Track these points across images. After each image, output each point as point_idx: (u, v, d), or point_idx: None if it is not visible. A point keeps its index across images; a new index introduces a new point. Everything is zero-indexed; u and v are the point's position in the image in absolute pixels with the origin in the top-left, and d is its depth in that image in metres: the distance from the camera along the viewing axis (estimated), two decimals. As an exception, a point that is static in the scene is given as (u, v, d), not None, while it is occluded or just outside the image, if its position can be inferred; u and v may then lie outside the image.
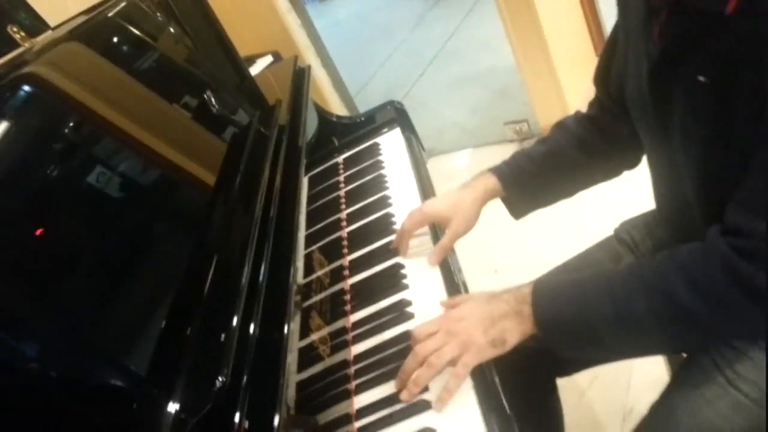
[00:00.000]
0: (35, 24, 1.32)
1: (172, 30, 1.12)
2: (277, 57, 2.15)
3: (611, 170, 0.95)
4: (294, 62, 1.37)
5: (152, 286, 0.72)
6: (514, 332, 0.71)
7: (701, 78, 0.61)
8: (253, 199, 0.85)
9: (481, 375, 0.71)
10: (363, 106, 3.27)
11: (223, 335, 0.64)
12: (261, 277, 0.74)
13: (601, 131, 0.91)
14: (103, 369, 0.61)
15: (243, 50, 2.13)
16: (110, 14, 0.93)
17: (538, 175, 0.94)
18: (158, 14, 1.13)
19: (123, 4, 0.98)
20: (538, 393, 1.01)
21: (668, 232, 0.88)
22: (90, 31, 0.87)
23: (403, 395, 0.70)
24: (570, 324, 0.69)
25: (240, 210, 0.86)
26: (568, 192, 0.97)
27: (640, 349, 0.73)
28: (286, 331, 0.70)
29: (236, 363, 0.61)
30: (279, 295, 0.75)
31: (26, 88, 0.76)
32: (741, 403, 0.71)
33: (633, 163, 0.93)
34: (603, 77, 0.89)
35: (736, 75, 0.58)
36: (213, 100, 1.06)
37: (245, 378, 0.61)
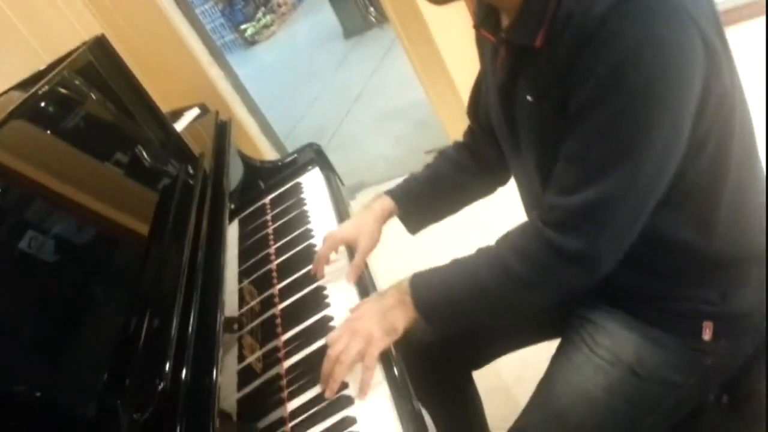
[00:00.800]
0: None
1: (96, 96, 1.23)
2: (203, 109, 2.25)
3: (486, 188, 1.12)
4: (216, 116, 1.49)
5: (91, 339, 0.77)
6: (401, 319, 0.85)
7: (529, 97, 0.79)
8: (181, 247, 0.95)
9: (389, 369, 0.85)
10: (293, 147, 3.41)
11: (157, 381, 0.71)
12: (190, 327, 0.81)
13: (474, 155, 1.08)
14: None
15: (170, 104, 2.24)
16: (42, 89, 1.03)
17: (425, 195, 1.09)
18: (82, 82, 1.23)
19: (53, 78, 1.08)
20: (453, 386, 1.15)
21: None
22: (26, 107, 0.97)
23: (326, 393, 0.83)
24: (440, 305, 0.85)
25: (170, 258, 0.96)
26: (453, 208, 1.13)
27: (495, 315, 0.88)
28: (214, 376, 0.78)
29: (169, 407, 0.69)
30: (208, 340, 0.83)
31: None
32: (600, 365, 0.87)
33: (503, 181, 1.10)
34: (474, 110, 1.06)
35: (549, 93, 0.75)
36: (141, 156, 1.17)
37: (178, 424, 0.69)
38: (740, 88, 0.78)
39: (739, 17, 2.48)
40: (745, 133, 0.79)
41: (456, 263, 0.87)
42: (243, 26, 7.68)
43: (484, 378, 1.27)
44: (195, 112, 2.24)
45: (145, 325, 0.81)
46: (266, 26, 7.77)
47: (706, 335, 0.84)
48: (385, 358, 0.86)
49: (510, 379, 1.69)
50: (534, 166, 0.86)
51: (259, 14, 7.78)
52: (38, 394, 0.67)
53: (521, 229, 0.81)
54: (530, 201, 0.97)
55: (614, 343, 0.87)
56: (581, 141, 0.72)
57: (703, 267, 0.83)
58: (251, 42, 7.71)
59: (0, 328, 0.70)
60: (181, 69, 2.61)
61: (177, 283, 0.88)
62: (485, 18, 0.84)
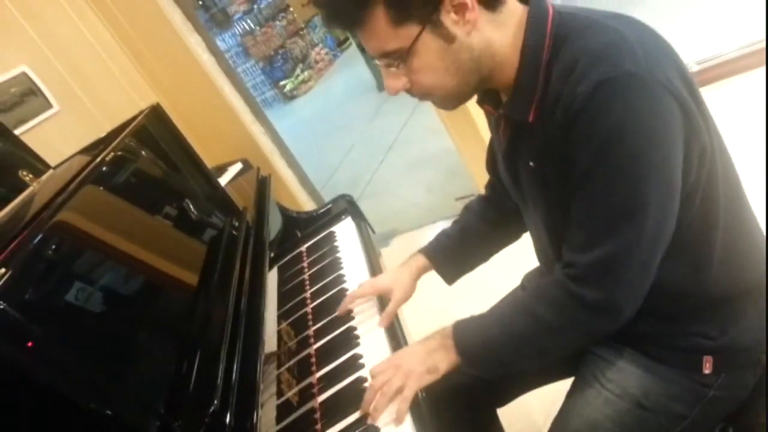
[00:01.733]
0: (39, 166, 1.58)
1: (152, 159, 1.38)
2: (246, 163, 2.43)
3: (511, 235, 1.21)
4: (257, 172, 1.64)
5: (146, 382, 0.86)
6: (443, 361, 0.94)
7: (531, 163, 0.88)
8: (227, 294, 1.07)
9: (416, 407, 0.93)
10: (330, 196, 3.56)
11: (204, 419, 0.80)
12: (234, 372, 0.91)
13: (496, 207, 1.18)
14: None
15: (216, 160, 2.43)
16: (108, 156, 1.18)
17: (457, 249, 1.19)
18: (140, 147, 1.39)
19: (117, 144, 1.24)
20: (480, 423, 1.22)
21: (545, 276, 1.14)
22: (95, 172, 1.12)
23: (369, 420, 0.91)
24: (479, 349, 0.93)
25: (217, 304, 1.06)
26: (483, 257, 1.22)
27: (528, 359, 0.94)
28: (255, 418, 0.87)
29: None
30: (250, 383, 0.92)
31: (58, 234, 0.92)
32: (610, 399, 0.93)
33: (525, 229, 1.19)
34: (491, 166, 1.17)
35: (548, 160, 0.84)
36: (192, 211, 1.30)
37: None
38: (719, 138, 0.86)
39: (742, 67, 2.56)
40: (729, 179, 0.87)
41: (493, 311, 0.96)
42: (282, 82, 8.05)
43: (517, 419, 1.33)
44: (238, 166, 2.41)
45: (195, 367, 0.92)
46: (304, 81, 8.13)
47: (707, 369, 0.90)
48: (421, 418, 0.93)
49: (540, 419, 1.73)
50: (541, 221, 0.95)
51: (298, 70, 8.15)
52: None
53: (550, 282, 0.89)
54: (541, 249, 1.06)
55: (622, 378, 0.94)
56: (585, 205, 0.81)
57: (702, 306, 0.90)
58: (290, 97, 8.06)
59: (63, 371, 0.75)
60: (225, 127, 2.80)
61: (223, 328, 0.99)
62: (486, 94, 0.95)
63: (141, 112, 1.48)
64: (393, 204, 3.51)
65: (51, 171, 1.50)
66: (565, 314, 0.85)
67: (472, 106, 2.77)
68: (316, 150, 5.15)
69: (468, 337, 0.94)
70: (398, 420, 0.90)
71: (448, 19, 0.79)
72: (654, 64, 0.76)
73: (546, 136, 0.82)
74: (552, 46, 0.81)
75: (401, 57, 0.82)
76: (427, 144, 4.03)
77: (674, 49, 0.83)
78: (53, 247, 0.88)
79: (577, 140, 0.77)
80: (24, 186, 1.38)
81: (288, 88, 8.06)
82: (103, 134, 1.45)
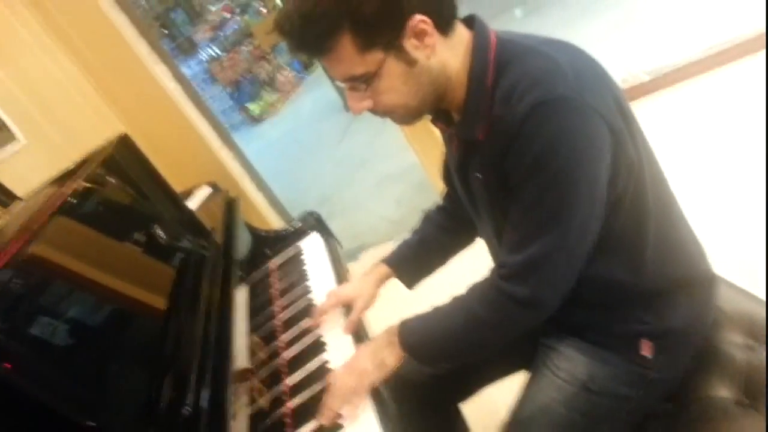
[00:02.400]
0: (5, 199, 1.62)
1: (121, 187, 1.43)
2: (215, 187, 2.47)
3: (465, 242, 1.28)
4: (226, 194, 1.69)
5: (118, 408, 0.87)
6: (390, 356, 1.01)
7: (478, 175, 0.96)
8: (196, 313, 1.11)
9: (381, 405, 0.99)
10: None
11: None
12: (205, 385, 0.94)
13: (452, 216, 1.26)
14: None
15: (184, 184, 2.46)
16: (77, 187, 1.23)
17: (416, 257, 1.27)
18: (108, 174, 1.44)
19: (87, 175, 1.28)
20: (444, 418, 1.28)
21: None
22: (66, 205, 1.15)
23: (323, 420, 0.98)
24: (422, 344, 1.01)
25: (187, 322, 1.10)
26: (441, 262, 1.30)
27: (468, 352, 1.02)
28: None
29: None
30: (220, 396, 0.96)
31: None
32: (561, 385, 1.01)
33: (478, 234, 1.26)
34: (447, 178, 1.25)
35: (493, 173, 0.92)
36: (161, 235, 1.35)
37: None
38: (647, 152, 0.95)
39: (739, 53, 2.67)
40: (657, 187, 0.96)
41: (435, 310, 1.03)
42: (249, 106, 8.10)
43: (484, 414, 1.40)
44: (207, 190, 2.45)
45: (165, 388, 0.95)
46: (271, 104, 8.19)
47: (646, 352, 0.98)
48: (377, 398, 1.01)
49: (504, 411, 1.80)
50: (491, 228, 1.03)
51: (264, 94, 8.22)
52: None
53: (484, 282, 0.98)
54: (493, 253, 1.14)
55: (570, 365, 1.02)
56: (519, 211, 0.89)
57: (638, 297, 0.98)
58: (258, 120, 8.11)
59: (31, 401, 0.77)
60: (193, 153, 2.84)
61: (193, 347, 1.03)
62: (438, 113, 1.02)
63: (109, 142, 1.53)
64: (363, 219, 3.58)
65: (19, 202, 1.53)
66: (498, 310, 0.93)
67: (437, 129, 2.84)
68: (285, 171, 5.21)
69: (412, 333, 1.02)
70: (352, 414, 0.97)
71: (410, 44, 0.86)
72: (584, 88, 0.84)
73: (492, 151, 0.90)
74: (495, 71, 0.89)
75: (367, 80, 0.89)
76: (395, 160, 4.11)
77: (606, 71, 0.92)
78: (23, 279, 0.91)
79: (516, 155, 0.85)
80: (-8, 218, 1.42)
81: (256, 111, 8.12)
82: (71, 165, 1.50)
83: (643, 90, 2.88)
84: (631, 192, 0.91)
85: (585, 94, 0.83)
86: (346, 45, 0.85)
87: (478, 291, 0.97)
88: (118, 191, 1.41)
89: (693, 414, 1.00)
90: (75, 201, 1.23)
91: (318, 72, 7.93)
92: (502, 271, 0.92)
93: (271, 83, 8.40)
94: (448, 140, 1.07)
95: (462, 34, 0.92)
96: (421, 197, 3.23)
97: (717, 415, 0.98)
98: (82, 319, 0.97)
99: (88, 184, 1.29)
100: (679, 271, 1.00)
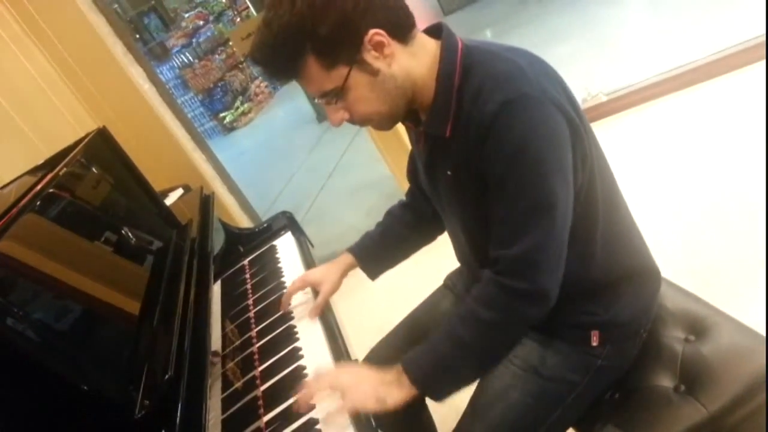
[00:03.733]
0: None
1: (99, 180, 1.46)
2: (187, 189, 2.50)
3: (427, 238, 1.36)
4: (201, 191, 1.74)
5: (94, 399, 0.84)
6: (392, 396, 0.98)
7: (448, 172, 1.03)
8: (174, 303, 1.14)
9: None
10: (271, 223, 3.67)
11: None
12: (185, 370, 0.94)
13: (415, 212, 1.33)
14: None
15: (157, 186, 2.47)
16: (55, 178, 1.25)
17: (379, 249, 1.34)
18: (86, 166, 1.47)
19: (66, 165, 1.31)
20: (410, 412, 1.34)
21: (466, 276, 1.29)
22: (43, 195, 1.17)
23: (300, 402, 1.00)
24: (433, 372, 0.99)
25: (165, 312, 1.12)
26: (404, 255, 1.36)
27: (482, 364, 1.05)
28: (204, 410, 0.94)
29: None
30: (198, 378, 0.98)
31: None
32: (516, 372, 1.08)
33: (441, 230, 1.34)
34: (412, 176, 1.32)
35: (464, 169, 0.99)
36: (138, 228, 1.39)
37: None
38: (597, 148, 1.04)
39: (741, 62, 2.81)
40: (606, 183, 1.05)
41: (436, 334, 1.02)
42: (222, 114, 8.10)
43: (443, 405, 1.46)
44: (179, 192, 2.49)
45: (145, 368, 0.97)
46: (244, 113, 8.21)
47: (594, 342, 1.06)
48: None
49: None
50: (458, 224, 1.10)
51: (237, 103, 8.23)
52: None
53: (482, 283, 1.01)
54: (459, 250, 1.21)
55: (525, 352, 1.09)
56: (503, 207, 0.96)
57: (587, 289, 1.06)
58: (230, 128, 8.11)
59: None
60: (166, 155, 2.86)
61: (171, 335, 1.05)
62: (408, 114, 1.08)
63: (88, 134, 1.57)
64: (334, 228, 3.63)
65: (-4, 191, 1.55)
66: (502, 308, 0.97)
67: (406, 135, 2.95)
68: (257, 179, 5.24)
69: (418, 364, 1.00)
70: (329, 418, 0.97)
71: (370, 56, 0.94)
72: (544, 86, 0.93)
73: (461, 148, 0.97)
74: (462, 73, 0.97)
75: (338, 94, 0.96)
76: (366, 170, 4.19)
77: (558, 73, 1.01)
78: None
79: (490, 152, 0.92)
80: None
81: (228, 119, 8.12)
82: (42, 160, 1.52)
83: (601, 111, 3.03)
84: (585, 186, 0.99)
85: (546, 91, 0.92)
86: (312, 66, 0.92)
87: (477, 294, 1.00)
88: (96, 183, 1.44)
89: (636, 401, 1.08)
90: (52, 191, 1.26)
91: (291, 84, 7.98)
92: (498, 268, 0.97)
93: (244, 92, 8.42)
94: (415, 139, 1.14)
95: (425, 42, 1.00)
96: (391, 207, 3.31)
97: (659, 402, 1.06)
98: (57, 310, 0.98)
99: (65, 175, 1.32)
100: (625, 264, 1.08)
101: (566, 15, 5.00)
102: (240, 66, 8.55)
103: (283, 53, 0.93)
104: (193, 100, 8.04)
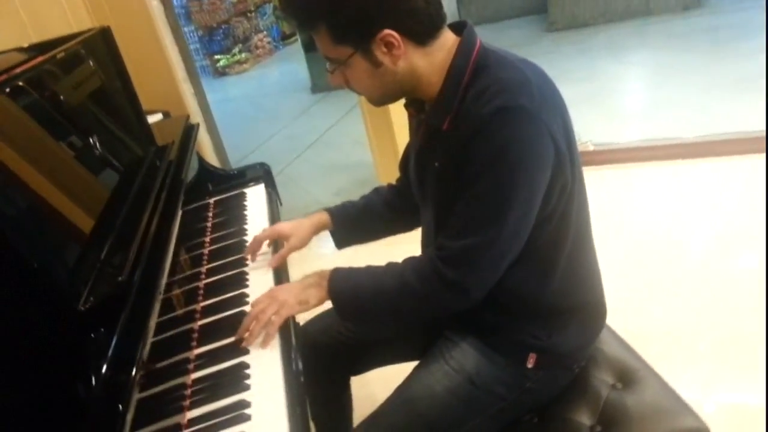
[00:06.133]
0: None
1: (92, 76, 1.42)
2: (167, 116, 2.45)
3: (404, 226, 1.36)
4: (186, 118, 1.71)
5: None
6: (314, 296, 1.08)
7: (436, 164, 1.05)
8: (141, 210, 1.13)
9: (288, 364, 1.01)
10: (239, 175, 3.62)
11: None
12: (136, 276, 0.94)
13: (401, 197, 1.34)
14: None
15: (137, 104, 2.42)
16: (54, 58, 1.21)
17: (356, 219, 1.34)
18: (84, 61, 1.42)
19: (66, 49, 1.27)
20: (334, 387, 1.36)
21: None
22: (36, 71, 1.13)
23: (243, 343, 1.03)
24: (347, 295, 1.07)
25: (131, 215, 1.12)
26: (376, 235, 1.37)
27: (387, 315, 1.09)
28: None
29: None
30: (149, 288, 0.96)
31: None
32: (449, 373, 1.10)
33: (419, 224, 1.35)
34: (403, 165, 1.33)
35: (450, 163, 1.01)
36: (117, 134, 1.36)
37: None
38: (580, 183, 1.06)
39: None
40: (581, 216, 1.08)
41: (369, 269, 1.09)
42: (217, 56, 7.94)
43: (362, 393, 1.48)
44: (158, 116, 2.43)
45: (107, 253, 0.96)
46: (239, 62, 8.06)
47: (530, 364, 1.09)
48: (287, 353, 1.03)
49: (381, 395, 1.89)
50: (432, 215, 1.12)
51: (235, 50, 8.08)
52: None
53: (423, 257, 1.05)
54: (426, 240, 1.23)
55: (462, 357, 1.11)
56: (465, 203, 0.98)
57: (537, 310, 1.09)
58: (221, 73, 7.97)
59: None
60: (156, 76, 2.80)
61: (132, 240, 1.03)
62: (413, 101, 1.11)
63: (89, 30, 1.52)
64: (300, 198, 3.61)
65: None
66: (426, 284, 1.01)
67: (398, 128, 2.97)
68: (235, 130, 5.15)
69: (342, 281, 1.08)
70: (265, 342, 1.02)
71: (378, 50, 0.96)
72: (543, 106, 0.94)
73: (453, 142, 0.99)
74: (473, 72, 0.98)
75: (338, 65, 1.00)
76: (347, 152, 4.19)
77: (563, 103, 1.03)
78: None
79: (474, 150, 0.94)
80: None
81: (221, 63, 7.97)
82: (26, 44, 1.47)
83: (586, 158, 3.11)
84: (559, 213, 1.02)
85: (542, 110, 0.94)
86: (322, 32, 0.96)
87: (415, 263, 1.05)
88: (87, 77, 1.40)
89: (553, 430, 1.12)
90: (45, 71, 1.22)
91: (295, 47, 7.90)
92: (440, 253, 1.00)
93: (245, 42, 8.27)
94: (415, 126, 1.15)
95: (446, 38, 1.01)
96: (361, 194, 3.31)
97: (572, 436, 1.10)
98: (22, 188, 0.94)
99: (59, 60, 1.28)
100: (579, 297, 1.12)
101: (576, 59, 5.11)
102: (248, 14, 8.40)
103: (302, 12, 0.98)
104: (192, 34, 7.87)
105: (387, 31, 0.93)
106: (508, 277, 1.02)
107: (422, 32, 0.97)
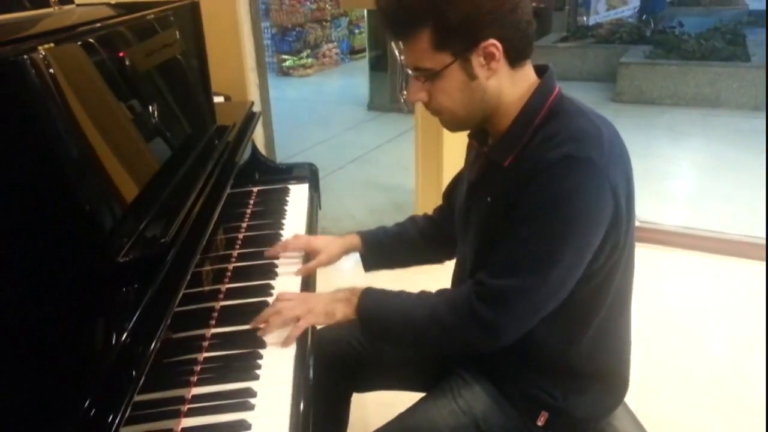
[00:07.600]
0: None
1: (174, 44, 1.45)
2: (228, 99, 2.50)
3: (437, 257, 1.36)
4: (250, 105, 1.73)
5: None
6: (341, 311, 1.06)
7: (489, 198, 1.04)
8: (190, 188, 1.12)
9: (299, 366, 1.00)
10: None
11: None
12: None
13: (436, 228, 1.33)
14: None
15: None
16: (145, 17, 1.24)
17: (388, 246, 1.34)
18: (164, 25, 1.45)
19: (154, 12, 1.30)
20: (336, 399, 1.33)
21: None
22: (112, 30, 1.14)
23: (259, 332, 1.03)
24: (375, 317, 1.05)
25: (180, 191, 1.12)
26: (406, 263, 1.36)
27: (410, 344, 1.08)
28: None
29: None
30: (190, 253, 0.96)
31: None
32: (455, 411, 1.08)
33: (451, 256, 1.33)
34: (449, 194, 1.32)
35: (503, 200, 0.99)
36: (188, 107, 1.38)
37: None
38: (631, 246, 1.04)
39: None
40: (624, 282, 1.05)
41: (401, 294, 1.08)
42: (284, 56, 8.11)
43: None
44: (220, 99, 2.48)
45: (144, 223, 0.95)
46: (304, 66, 8.22)
47: (540, 422, 1.06)
48: (302, 355, 1.02)
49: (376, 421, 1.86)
50: (473, 249, 1.10)
51: (304, 54, 8.25)
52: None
53: (458, 290, 1.03)
54: (459, 275, 1.21)
55: (472, 398, 1.09)
56: (513, 243, 0.96)
57: (558, 368, 1.06)
58: (285, 73, 8.13)
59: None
60: (226, 59, 2.85)
61: (181, 208, 1.01)
62: (478, 132, 1.11)
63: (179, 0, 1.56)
64: (333, 209, 3.62)
65: (74, 6, 1.54)
66: (456, 316, 0.99)
67: (448, 158, 2.95)
68: (287, 129, 5.22)
69: (372, 302, 1.07)
70: (286, 343, 1.01)
71: (477, 61, 0.95)
72: (610, 162, 0.93)
73: (510, 179, 0.98)
74: (546, 116, 0.98)
75: (430, 76, 0.97)
76: (389, 173, 4.20)
77: (630, 164, 1.01)
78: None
79: (531, 191, 0.93)
80: (45, 4, 1.43)
81: (287, 64, 8.13)
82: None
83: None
84: (604, 273, 1.00)
85: (609, 167, 0.92)
86: (424, 37, 0.93)
87: (449, 295, 1.03)
88: (167, 45, 1.43)
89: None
90: (123, 30, 1.25)
91: (361, 63, 8.00)
92: (478, 289, 0.98)
93: (314, 48, 8.44)
94: (473, 158, 1.15)
95: (529, 74, 1.01)
96: (394, 218, 3.29)
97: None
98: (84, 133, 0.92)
99: (142, 22, 1.31)
100: (604, 363, 1.09)
101: (634, 134, 5.06)
102: (323, 23, 8.58)
103: (407, 12, 0.94)
104: (267, 30, 8.05)
105: (492, 41, 0.93)
106: (536, 327, 1.00)
107: (519, 49, 0.97)
